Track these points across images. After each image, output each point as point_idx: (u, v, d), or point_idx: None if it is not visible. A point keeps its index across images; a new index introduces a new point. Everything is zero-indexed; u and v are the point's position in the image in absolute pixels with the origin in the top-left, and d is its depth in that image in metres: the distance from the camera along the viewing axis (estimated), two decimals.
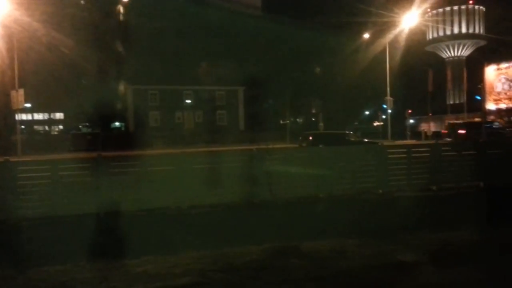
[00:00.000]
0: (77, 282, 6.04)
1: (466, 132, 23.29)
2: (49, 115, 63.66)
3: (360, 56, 53.59)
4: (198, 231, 8.58)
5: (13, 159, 10.98)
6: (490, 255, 6.92)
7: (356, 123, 64.55)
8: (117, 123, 54.57)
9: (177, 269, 6.40)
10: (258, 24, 58.68)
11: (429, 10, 66.61)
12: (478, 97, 55.34)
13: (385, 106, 39.32)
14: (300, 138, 27.36)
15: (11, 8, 25.42)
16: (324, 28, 52.71)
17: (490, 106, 58.56)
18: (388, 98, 38.15)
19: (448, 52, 72.98)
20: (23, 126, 43.43)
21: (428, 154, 13.24)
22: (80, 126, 53.15)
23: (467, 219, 8.68)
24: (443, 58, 74.16)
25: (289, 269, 6.48)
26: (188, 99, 52.74)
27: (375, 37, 45.57)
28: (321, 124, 44.26)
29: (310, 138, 25.47)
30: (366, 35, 46.74)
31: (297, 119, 64.07)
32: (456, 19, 70.45)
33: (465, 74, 61.25)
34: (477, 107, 58.77)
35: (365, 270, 6.43)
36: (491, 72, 60.63)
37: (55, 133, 59.38)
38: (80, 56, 41.44)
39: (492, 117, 51.89)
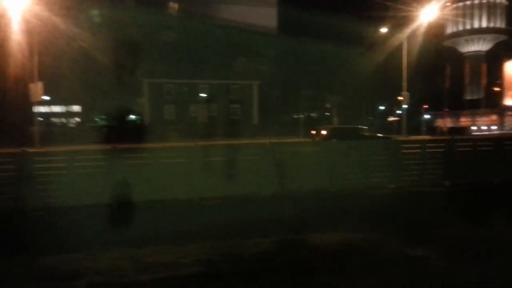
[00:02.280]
0: (89, 270, 6.20)
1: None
2: (67, 108, 64.55)
3: (376, 50, 52.94)
4: (208, 223, 8.68)
5: (30, 150, 11.23)
6: (501, 252, 6.87)
7: (370, 118, 63.89)
8: (132, 116, 55.09)
9: (186, 259, 6.51)
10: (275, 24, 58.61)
11: (449, 3, 65.39)
12: None
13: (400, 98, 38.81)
14: (314, 132, 27.23)
15: (31, 2, 25.85)
16: (340, 23, 52.17)
17: (509, 101, 57.37)
18: (404, 93, 37.63)
19: (467, 46, 71.62)
20: (41, 118, 44.19)
21: (442, 150, 13.09)
22: (97, 119, 53.85)
23: (478, 216, 8.61)
24: (462, 53, 72.85)
25: (298, 261, 6.54)
26: (203, 92, 52.95)
27: (392, 31, 44.95)
28: (335, 118, 43.93)
29: (324, 132, 25.34)
30: (384, 29, 46.13)
31: (311, 114, 63.73)
32: (476, 13, 69.06)
33: (483, 69, 60.06)
34: (495, 102, 57.68)
35: (374, 263, 6.45)
36: (510, 67, 59.31)
37: (72, 125, 60.19)
38: (98, 49, 41.93)
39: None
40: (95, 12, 43.86)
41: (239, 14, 55.27)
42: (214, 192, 10.55)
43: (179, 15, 51.72)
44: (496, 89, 58.31)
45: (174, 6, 51.41)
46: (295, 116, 52.57)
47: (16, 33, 27.54)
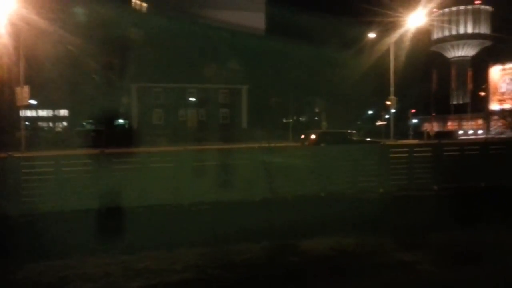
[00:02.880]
0: (77, 277, 6.09)
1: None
2: (54, 112, 63.86)
3: (364, 55, 53.45)
4: (198, 228, 8.64)
5: (16, 154, 11.07)
6: (492, 254, 6.93)
7: (359, 122, 64.40)
8: (121, 121, 54.73)
9: (177, 265, 6.45)
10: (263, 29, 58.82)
11: (435, 10, 66.37)
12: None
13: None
14: (303, 136, 27.37)
15: (18, 6, 25.57)
16: (328, 27, 52.63)
17: (494, 106, 58.36)
18: (392, 97, 38.01)
19: (453, 52, 72.75)
20: (27, 123, 43.63)
21: (430, 154, 13.24)
22: (84, 123, 53.36)
23: (466, 219, 8.70)
24: (448, 58, 73.92)
25: (288, 266, 6.52)
26: (191, 97, 52.85)
27: (380, 36, 45.44)
28: (324, 123, 44.19)
29: (313, 136, 25.47)
30: (371, 35, 46.60)
31: (300, 118, 63.99)
32: (462, 19, 70.20)
33: (469, 74, 60.98)
34: (481, 107, 58.59)
35: (364, 268, 6.46)
36: (495, 72, 60.37)
37: (59, 129, 59.57)
38: (85, 53, 41.62)
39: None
40: (80, 10, 43.63)
41: (228, 19, 55.39)
42: (204, 197, 10.52)
43: (168, 19, 51.61)
44: (482, 94, 59.28)
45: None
46: (284, 121, 52.77)
47: (2, 37, 27.18)
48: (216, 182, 10.84)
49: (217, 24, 53.64)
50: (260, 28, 61.37)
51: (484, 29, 70.56)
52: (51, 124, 62.49)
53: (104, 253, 6.99)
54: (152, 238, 7.84)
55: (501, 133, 51.76)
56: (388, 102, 39.19)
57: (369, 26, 46.87)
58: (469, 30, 70.33)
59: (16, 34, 27.07)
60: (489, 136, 47.28)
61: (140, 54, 50.47)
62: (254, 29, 57.84)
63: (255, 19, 61.03)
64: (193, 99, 52.73)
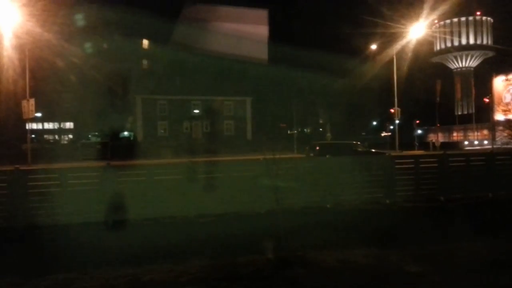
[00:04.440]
0: None
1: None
2: (59, 125, 64.20)
3: (367, 66, 53.67)
4: (204, 240, 8.60)
5: (23, 167, 11.11)
6: (500, 265, 6.84)
7: (363, 133, 64.31)
8: (126, 133, 54.97)
9: (182, 278, 6.41)
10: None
11: (436, 21, 66.67)
12: None
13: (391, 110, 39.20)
14: (308, 148, 27.34)
15: (23, 19, 25.91)
16: (332, 40, 52.94)
17: (499, 117, 58.15)
18: (396, 108, 38.02)
19: (456, 63, 72.91)
20: (33, 135, 43.85)
21: (436, 165, 13.19)
22: (90, 136, 53.64)
23: (473, 230, 8.62)
24: (451, 69, 74.03)
25: (294, 279, 6.46)
26: (196, 109, 53.11)
27: (382, 48, 45.65)
28: (329, 134, 44.14)
29: (317, 148, 25.44)
30: (374, 46, 46.82)
31: (305, 129, 64.01)
32: (463, 30, 70.47)
33: (473, 85, 60.99)
34: (486, 117, 58.42)
35: (372, 280, 6.39)
36: (499, 83, 60.28)
37: (65, 142, 59.85)
38: (90, 66, 42.04)
39: None
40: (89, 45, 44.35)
41: (231, 31, 55.64)
42: (209, 209, 10.50)
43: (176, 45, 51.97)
44: (486, 101, 59.10)
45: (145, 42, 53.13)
46: (289, 132, 52.83)
47: (8, 50, 27.52)
48: (221, 194, 10.82)
49: (225, 46, 53.91)
50: (263, 41, 61.62)
51: (485, 40, 70.75)
52: (57, 137, 62.79)
53: (109, 265, 6.96)
54: (157, 250, 7.81)
55: (507, 143, 51.43)
56: (392, 110, 39.22)
57: (371, 37, 47.16)
58: (471, 41, 70.55)
59: (22, 47, 27.40)
60: (495, 146, 47.02)
61: (145, 68, 50.91)
62: (257, 43, 58.09)
63: (259, 33, 61.30)
64: (198, 111, 52.97)
